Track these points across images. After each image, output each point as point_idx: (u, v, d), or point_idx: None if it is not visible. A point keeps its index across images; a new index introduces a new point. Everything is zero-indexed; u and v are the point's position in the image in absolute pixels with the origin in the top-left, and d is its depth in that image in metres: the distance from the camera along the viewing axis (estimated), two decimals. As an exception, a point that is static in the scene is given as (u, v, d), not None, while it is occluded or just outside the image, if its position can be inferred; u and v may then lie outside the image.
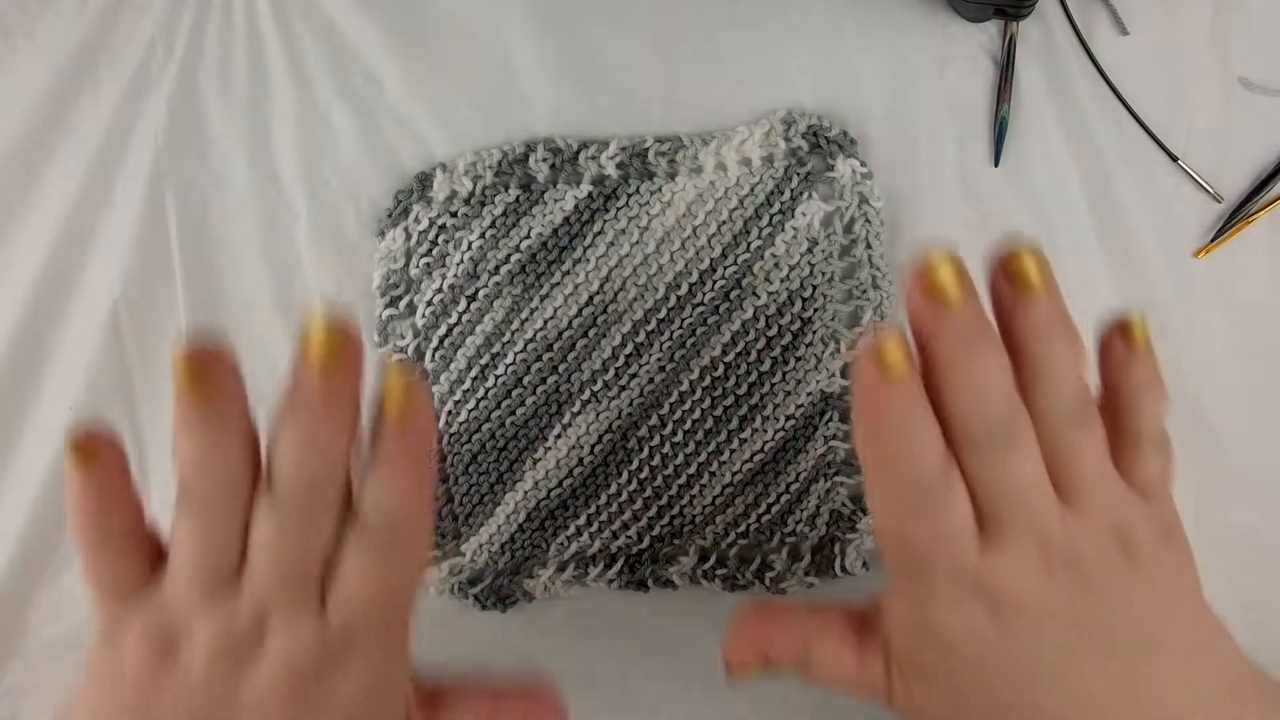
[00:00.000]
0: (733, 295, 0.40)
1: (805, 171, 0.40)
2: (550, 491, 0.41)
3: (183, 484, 0.27)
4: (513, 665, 0.42)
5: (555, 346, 0.41)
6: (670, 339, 0.41)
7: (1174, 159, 0.40)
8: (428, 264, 0.40)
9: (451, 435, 0.41)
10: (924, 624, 0.29)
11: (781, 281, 0.40)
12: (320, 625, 0.28)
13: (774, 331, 0.40)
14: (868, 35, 0.41)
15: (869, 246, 0.40)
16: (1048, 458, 0.27)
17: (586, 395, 0.41)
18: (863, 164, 0.40)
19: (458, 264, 0.40)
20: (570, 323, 0.41)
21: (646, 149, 0.40)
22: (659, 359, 0.41)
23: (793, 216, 0.40)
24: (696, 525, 0.41)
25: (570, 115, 0.41)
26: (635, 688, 0.42)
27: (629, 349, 0.41)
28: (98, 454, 0.28)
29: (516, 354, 0.41)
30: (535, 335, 0.41)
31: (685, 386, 0.41)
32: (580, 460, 0.41)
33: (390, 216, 0.41)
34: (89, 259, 0.41)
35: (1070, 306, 0.28)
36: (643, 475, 0.41)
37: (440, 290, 0.40)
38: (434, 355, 0.41)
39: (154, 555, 0.29)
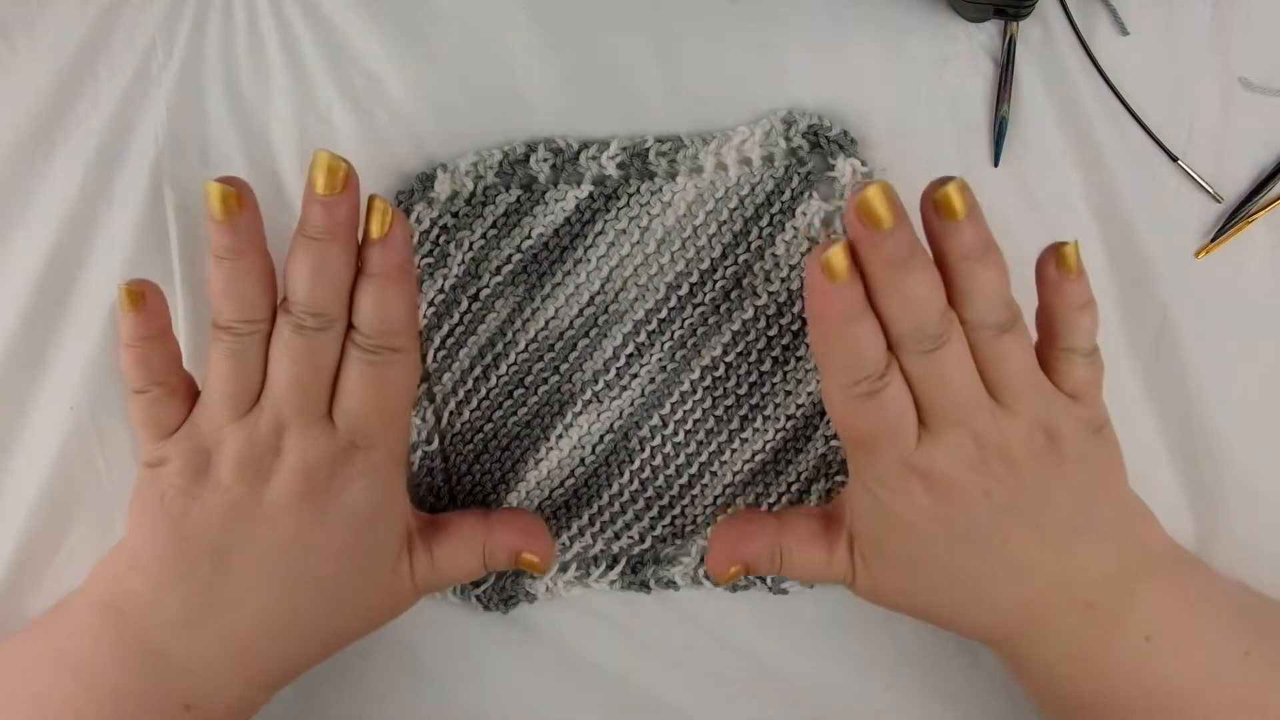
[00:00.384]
0: (733, 295, 0.40)
1: (805, 171, 0.40)
2: (552, 492, 0.41)
3: (214, 316, 0.33)
4: (513, 665, 0.43)
5: (557, 347, 0.41)
6: (671, 339, 0.41)
7: (1174, 159, 0.40)
8: (429, 264, 0.40)
9: (454, 435, 0.41)
10: (877, 504, 0.34)
11: (782, 281, 0.40)
12: (329, 433, 0.33)
13: (774, 331, 0.40)
14: (868, 35, 0.41)
15: (869, 246, 0.40)
16: (980, 363, 0.32)
17: (588, 395, 0.41)
18: (863, 164, 0.40)
19: (459, 264, 0.40)
20: (571, 323, 0.41)
21: (647, 149, 0.40)
22: (660, 359, 0.41)
23: (793, 216, 0.40)
24: (698, 525, 0.41)
25: (571, 115, 0.41)
26: (637, 688, 0.42)
27: (630, 349, 0.41)
28: (145, 298, 0.34)
29: (518, 354, 0.41)
30: (537, 335, 0.41)
31: (686, 386, 0.41)
32: (582, 460, 0.41)
33: (391, 216, 0.41)
34: (89, 259, 0.41)
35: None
36: (644, 475, 0.41)
37: (442, 290, 0.40)
38: (436, 355, 0.41)
39: (190, 398, 0.35)
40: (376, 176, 0.41)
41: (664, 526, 0.41)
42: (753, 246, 0.40)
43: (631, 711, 0.43)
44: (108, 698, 0.35)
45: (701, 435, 0.41)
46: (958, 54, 0.41)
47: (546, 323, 0.41)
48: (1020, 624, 0.35)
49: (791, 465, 0.41)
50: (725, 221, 0.40)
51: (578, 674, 0.43)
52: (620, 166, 0.40)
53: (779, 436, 0.41)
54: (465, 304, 0.41)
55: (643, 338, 0.41)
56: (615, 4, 0.41)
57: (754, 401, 0.41)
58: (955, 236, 0.31)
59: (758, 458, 0.41)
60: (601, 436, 0.41)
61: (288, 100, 0.41)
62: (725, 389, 0.41)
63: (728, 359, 0.41)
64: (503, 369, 0.41)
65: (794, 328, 0.41)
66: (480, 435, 0.41)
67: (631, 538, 0.41)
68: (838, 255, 0.31)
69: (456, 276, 0.40)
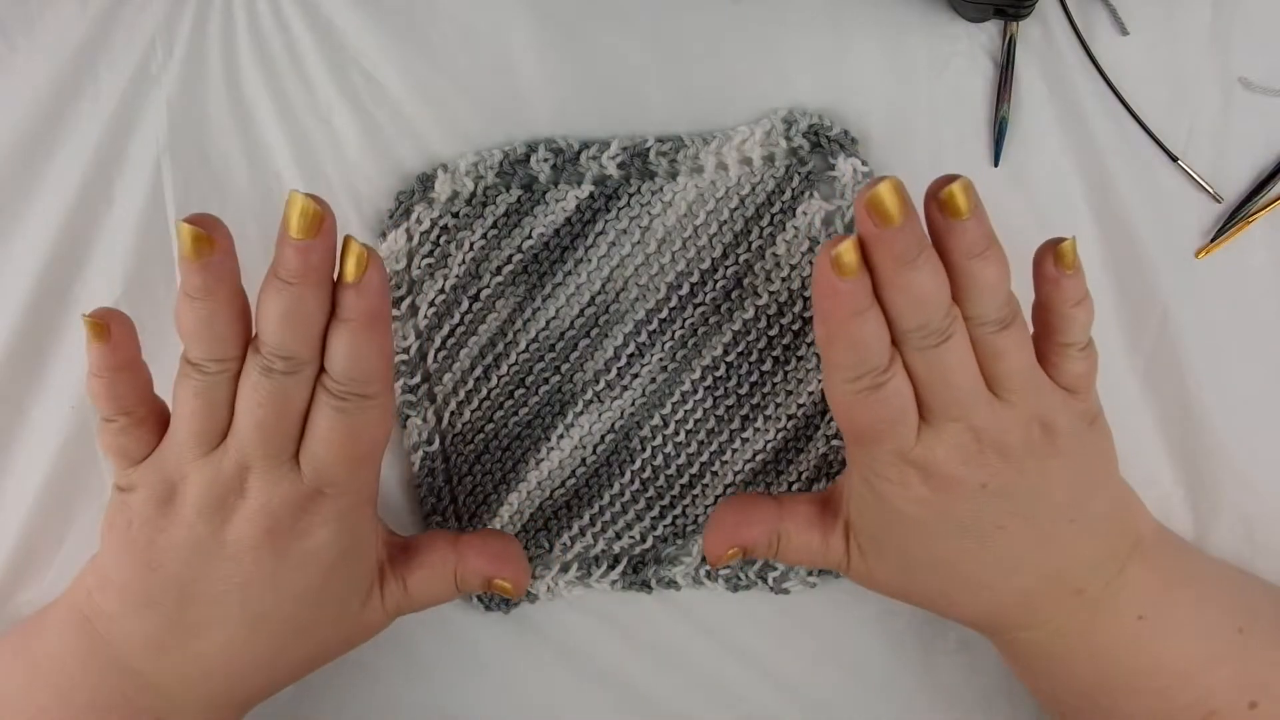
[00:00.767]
0: (734, 295, 0.40)
1: (806, 171, 0.40)
2: (553, 492, 0.41)
3: (183, 351, 0.32)
4: (515, 666, 0.43)
5: (558, 347, 0.41)
6: (672, 339, 0.41)
7: (1174, 159, 0.40)
8: (429, 265, 0.40)
9: (455, 436, 0.41)
10: (874, 495, 0.34)
11: (783, 281, 0.40)
12: (293, 476, 0.33)
13: (775, 331, 0.40)
14: (868, 35, 0.41)
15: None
16: (980, 358, 0.32)
17: (589, 395, 0.41)
18: (864, 163, 0.40)
19: (460, 265, 0.40)
20: (572, 323, 0.41)
21: (647, 149, 0.40)
22: (661, 359, 0.41)
23: (794, 216, 0.40)
24: (699, 525, 0.41)
25: (571, 115, 0.41)
26: (637, 688, 0.42)
27: (631, 349, 0.41)
28: (110, 329, 0.33)
29: (519, 354, 0.41)
30: (538, 335, 0.41)
31: (687, 386, 0.41)
32: (583, 461, 0.41)
33: (392, 217, 0.41)
34: (89, 259, 0.41)
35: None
36: (645, 475, 0.41)
37: (442, 291, 0.40)
38: (436, 356, 0.41)
39: (160, 426, 0.34)
40: (377, 176, 0.41)
41: (665, 526, 0.41)
42: (753, 246, 0.40)
43: (631, 711, 0.43)
44: (80, 709, 0.35)
45: (703, 435, 0.41)
46: (958, 54, 0.41)
47: (547, 323, 0.41)
48: (1015, 612, 0.35)
49: (793, 465, 0.41)
50: (726, 221, 0.40)
51: (578, 674, 0.43)
52: (621, 166, 0.40)
53: (780, 436, 0.41)
54: (466, 304, 0.41)
55: (644, 337, 0.41)
56: (616, 4, 0.41)
57: (755, 401, 0.41)
58: (959, 234, 0.31)
59: (759, 457, 0.41)
60: (602, 436, 0.41)
61: (288, 100, 0.41)
62: (726, 389, 0.41)
63: (729, 359, 0.41)
64: (504, 369, 0.41)
65: (795, 327, 0.41)
66: (481, 435, 0.41)
67: (633, 538, 0.41)
68: (848, 251, 0.30)
69: (457, 277, 0.40)
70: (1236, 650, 0.35)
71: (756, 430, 0.41)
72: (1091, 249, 0.40)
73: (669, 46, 0.41)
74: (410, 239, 0.40)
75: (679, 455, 0.41)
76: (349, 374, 0.32)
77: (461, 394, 0.41)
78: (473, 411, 0.41)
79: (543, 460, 0.41)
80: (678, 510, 0.41)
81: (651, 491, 0.41)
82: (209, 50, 0.41)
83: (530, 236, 0.40)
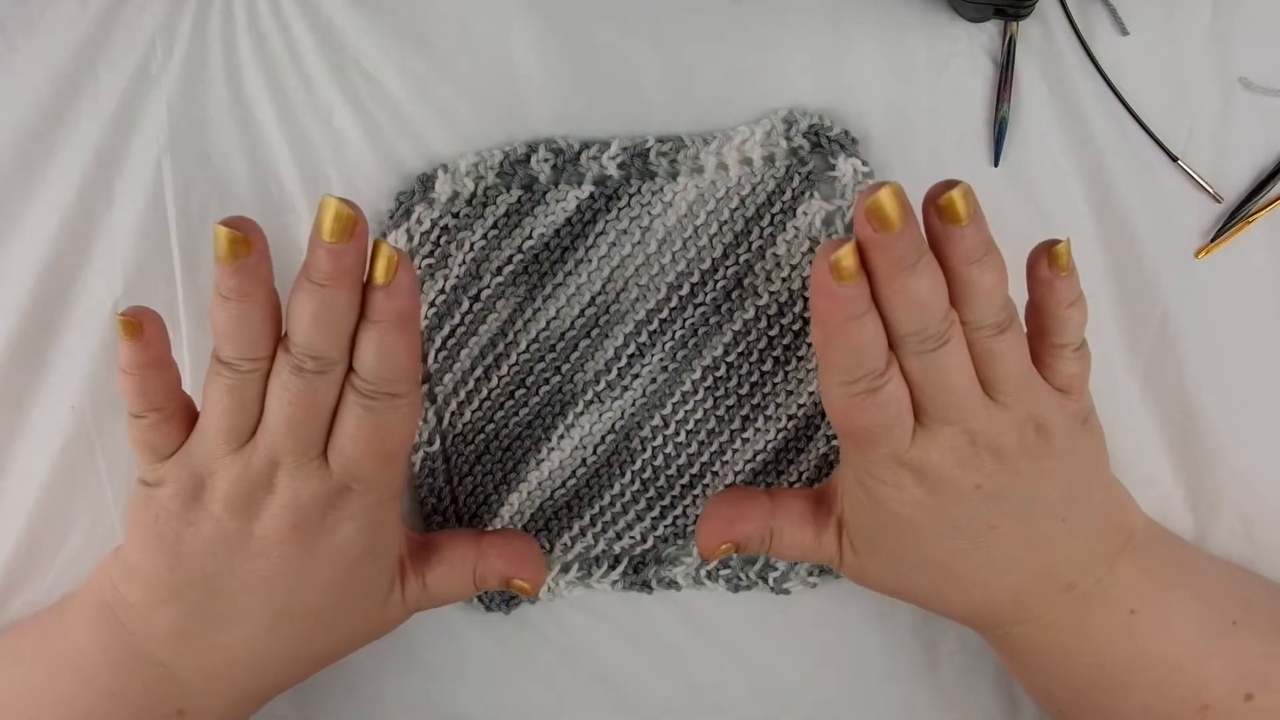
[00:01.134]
0: (734, 295, 0.40)
1: (806, 171, 0.40)
2: (554, 492, 0.41)
3: (214, 349, 0.33)
4: (515, 666, 0.43)
5: (558, 347, 0.41)
6: (672, 339, 0.41)
7: (1174, 159, 0.40)
8: (430, 265, 0.40)
9: (455, 436, 0.41)
10: (868, 495, 0.34)
11: (783, 281, 0.40)
12: (322, 473, 0.33)
13: (776, 331, 0.41)
14: (868, 35, 0.41)
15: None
16: (976, 361, 0.32)
17: (589, 396, 0.41)
18: (864, 163, 0.40)
19: (460, 265, 0.40)
20: (573, 323, 0.41)
21: (648, 149, 0.40)
22: (661, 359, 0.41)
23: (794, 216, 0.40)
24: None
25: (571, 115, 0.41)
26: (638, 688, 0.42)
27: (631, 349, 0.41)
28: (143, 328, 0.33)
29: (519, 355, 0.41)
30: (538, 336, 0.41)
31: (687, 386, 0.41)
32: (583, 461, 0.41)
33: (392, 218, 0.41)
34: (89, 259, 0.41)
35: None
36: (645, 476, 0.41)
37: (443, 291, 0.40)
38: (437, 356, 0.41)
39: (189, 421, 0.34)
40: (377, 176, 0.41)
41: (665, 527, 0.41)
42: (754, 246, 0.40)
43: (631, 711, 0.43)
44: (103, 697, 0.35)
45: (703, 435, 0.41)
46: (958, 54, 0.41)
47: (548, 323, 0.41)
48: (1006, 608, 0.36)
49: (793, 465, 0.41)
50: (726, 221, 0.40)
51: (578, 674, 0.43)
52: (621, 167, 0.40)
53: (780, 436, 0.41)
54: (466, 305, 0.41)
55: (644, 338, 0.41)
56: (616, 4, 0.41)
57: (755, 401, 0.41)
58: (958, 241, 0.31)
59: (759, 457, 0.41)
60: (603, 437, 0.41)
61: (288, 100, 0.41)
62: (726, 389, 0.41)
63: (729, 359, 0.41)
64: (504, 370, 0.41)
65: (795, 327, 0.41)
66: (482, 436, 0.41)
67: (633, 538, 0.42)
68: (847, 256, 0.30)
69: (457, 277, 0.40)
70: (1231, 643, 0.35)
71: (757, 430, 0.41)
72: (1091, 249, 0.40)
73: (669, 46, 0.41)
74: (410, 239, 0.40)
75: (679, 455, 0.41)
76: (378, 373, 0.32)
77: (462, 394, 0.41)
78: (473, 412, 0.41)
79: (543, 460, 0.41)
80: (678, 510, 0.41)
81: (652, 492, 0.41)
82: (209, 50, 0.41)
83: (530, 237, 0.40)
